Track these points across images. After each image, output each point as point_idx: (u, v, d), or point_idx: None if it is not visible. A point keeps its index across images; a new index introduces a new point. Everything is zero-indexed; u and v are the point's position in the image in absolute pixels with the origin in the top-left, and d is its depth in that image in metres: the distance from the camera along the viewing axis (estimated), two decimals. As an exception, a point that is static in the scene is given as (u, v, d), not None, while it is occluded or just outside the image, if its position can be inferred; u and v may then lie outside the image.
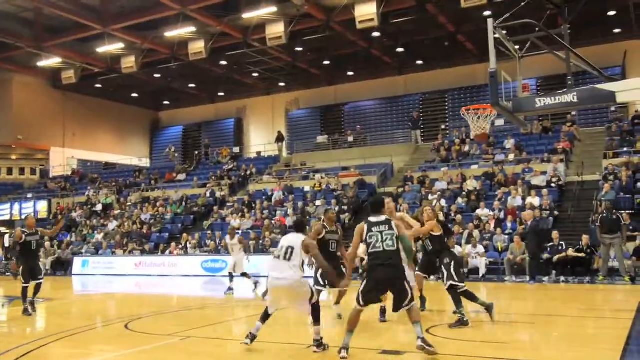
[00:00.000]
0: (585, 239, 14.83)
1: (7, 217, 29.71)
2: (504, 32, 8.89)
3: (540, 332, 7.80)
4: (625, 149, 19.58)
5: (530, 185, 18.71)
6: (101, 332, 8.92)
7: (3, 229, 29.36)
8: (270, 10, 22.65)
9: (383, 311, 8.23)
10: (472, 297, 7.97)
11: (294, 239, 6.56)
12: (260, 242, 20.07)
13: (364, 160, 25.64)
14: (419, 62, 29.49)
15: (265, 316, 6.76)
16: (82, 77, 29.81)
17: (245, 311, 11.25)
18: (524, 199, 17.79)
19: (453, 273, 7.88)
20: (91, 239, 24.93)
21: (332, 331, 7.65)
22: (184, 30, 24.48)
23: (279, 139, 31.07)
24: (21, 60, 29.38)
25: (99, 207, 28.00)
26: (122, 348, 7.21)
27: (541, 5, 11.35)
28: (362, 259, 8.79)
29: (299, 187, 24.70)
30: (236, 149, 32.34)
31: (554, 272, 14.90)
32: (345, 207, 20.72)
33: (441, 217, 8.40)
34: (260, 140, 33.42)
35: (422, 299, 9.18)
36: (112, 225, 25.61)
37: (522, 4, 8.92)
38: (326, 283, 8.23)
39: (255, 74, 31.60)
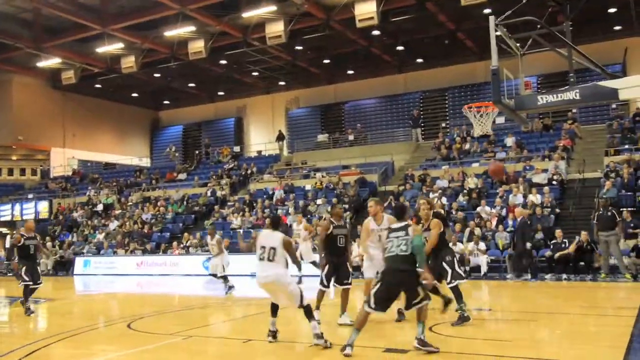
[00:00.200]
0: (584, 234, 14.83)
1: (9, 218, 29.72)
2: (505, 29, 8.87)
3: (543, 329, 7.80)
4: (626, 146, 19.55)
5: (532, 182, 18.70)
6: (103, 332, 8.92)
7: (4, 230, 29.40)
8: (269, 9, 22.63)
9: (400, 312, 8.13)
10: (436, 292, 7.81)
11: (274, 239, 6.81)
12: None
13: (365, 158, 25.63)
14: (419, 60, 29.46)
15: (274, 308, 6.96)
16: (82, 77, 29.80)
17: (247, 310, 11.25)
18: (525, 196, 17.77)
19: (459, 271, 7.92)
20: (92, 239, 24.94)
21: (339, 330, 7.65)
22: (184, 30, 24.46)
23: (280, 137, 31.06)
24: (21, 61, 29.36)
25: (100, 207, 28.00)
26: (124, 348, 7.21)
27: (542, 2, 11.32)
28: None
29: (299, 185, 24.69)
30: (236, 148, 32.33)
31: (553, 271, 14.89)
32: (347, 206, 20.71)
33: (438, 208, 8.23)
34: (260, 139, 33.41)
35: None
36: (113, 225, 25.62)
37: (523, 1, 8.89)
38: (330, 284, 8.13)
39: (255, 73, 31.58)
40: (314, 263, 14.67)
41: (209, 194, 25.98)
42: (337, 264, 8.04)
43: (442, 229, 8.08)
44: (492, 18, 8.64)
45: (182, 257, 21.07)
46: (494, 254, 16.15)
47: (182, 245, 21.71)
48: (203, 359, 6.77)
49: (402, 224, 6.36)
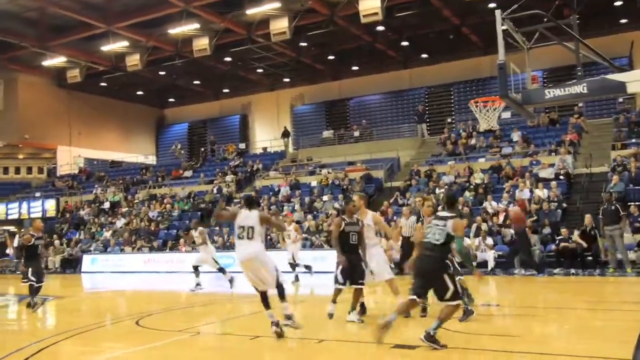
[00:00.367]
0: (587, 217, 14.76)
1: (16, 216, 29.88)
2: (512, 23, 8.82)
3: (551, 324, 7.77)
4: (633, 140, 19.41)
5: (538, 177, 18.61)
6: (111, 329, 8.96)
7: (12, 228, 29.54)
8: (274, 5, 22.61)
9: (424, 308, 8.09)
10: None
11: (251, 218, 6.98)
12: (268, 237, 20.08)
13: (370, 154, 25.58)
14: (424, 55, 29.36)
15: (264, 299, 7.01)
16: (87, 75, 29.85)
17: (254, 307, 11.24)
18: (531, 191, 17.70)
19: (459, 267, 7.91)
20: (99, 237, 25.05)
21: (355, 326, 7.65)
22: (188, 27, 24.44)
23: (285, 134, 31.04)
24: (26, 60, 29.47)
25: (106, 205, 28.12)
26: (132, 345, 7.24)
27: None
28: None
29: (305, 182, 24.69)
30: (242, 145, 32.36)
31: (557, 267, 14.85)
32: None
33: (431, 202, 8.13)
34: (265, 136, 33.42)
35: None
36: (120, 222, 25.72)
37: (529, -5, 8.85)
38: (346, 281, 7.97)
39: (260, 70, 31.57)
40: (307, 267, 14.65)
41: (215, 191, 26.02)
42: (353, 263, 7.90)
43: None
44: (498, 12, 8.61)
45: (189, 254, 21.06)
46: (501, 249, 16.10)
47: (188, 242, 21.71)
48: (211, 356, 6.79)
49: (447, 214, 6.44)
